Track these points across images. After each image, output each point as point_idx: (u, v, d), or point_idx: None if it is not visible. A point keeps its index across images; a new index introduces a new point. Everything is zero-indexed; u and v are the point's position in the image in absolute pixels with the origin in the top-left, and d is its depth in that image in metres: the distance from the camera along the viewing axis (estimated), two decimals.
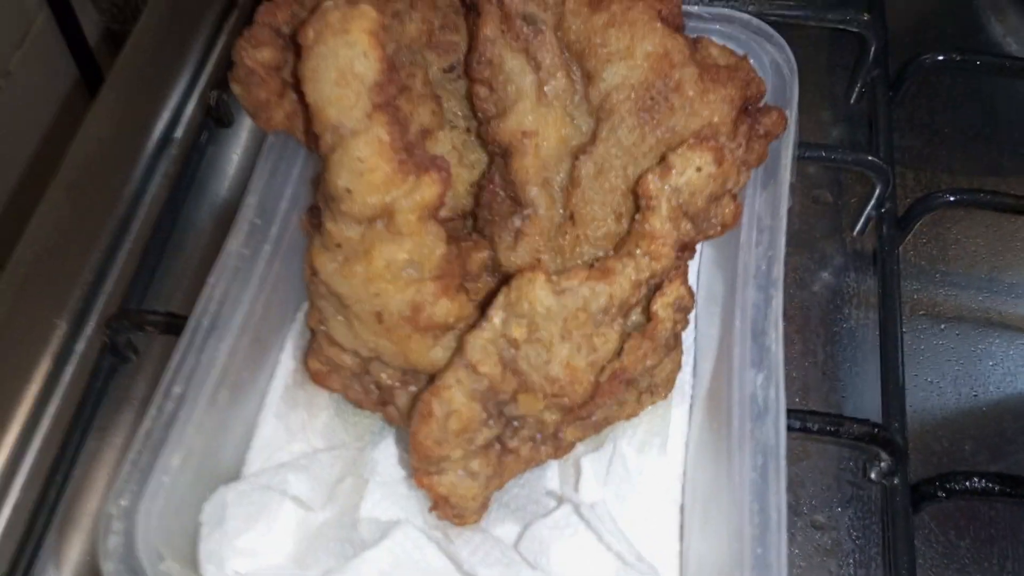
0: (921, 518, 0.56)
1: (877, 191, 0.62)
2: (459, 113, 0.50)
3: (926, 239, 0.69)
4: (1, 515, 0.53)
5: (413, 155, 0.41)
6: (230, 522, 0.41)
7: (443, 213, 0.50)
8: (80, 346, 0.58)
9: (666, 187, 0.42)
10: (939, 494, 0.53)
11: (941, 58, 0.68)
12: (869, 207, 0.64)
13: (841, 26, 0.67)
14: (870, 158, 0.61)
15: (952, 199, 0.63)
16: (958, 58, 0.67)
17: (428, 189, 0.42)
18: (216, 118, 0.67)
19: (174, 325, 0.54)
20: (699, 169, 0.43)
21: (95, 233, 0.62)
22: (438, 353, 0.45)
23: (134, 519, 0.38)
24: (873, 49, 0.67)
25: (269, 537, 0.42)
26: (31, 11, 1.01)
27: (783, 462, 0.40)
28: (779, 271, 0.44)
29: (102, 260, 0.61)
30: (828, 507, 0.57)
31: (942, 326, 0.65)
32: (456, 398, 0.43)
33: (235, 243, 0.45)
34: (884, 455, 0.54)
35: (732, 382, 0.42)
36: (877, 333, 0.63)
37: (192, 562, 0.42)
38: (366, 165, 0.40)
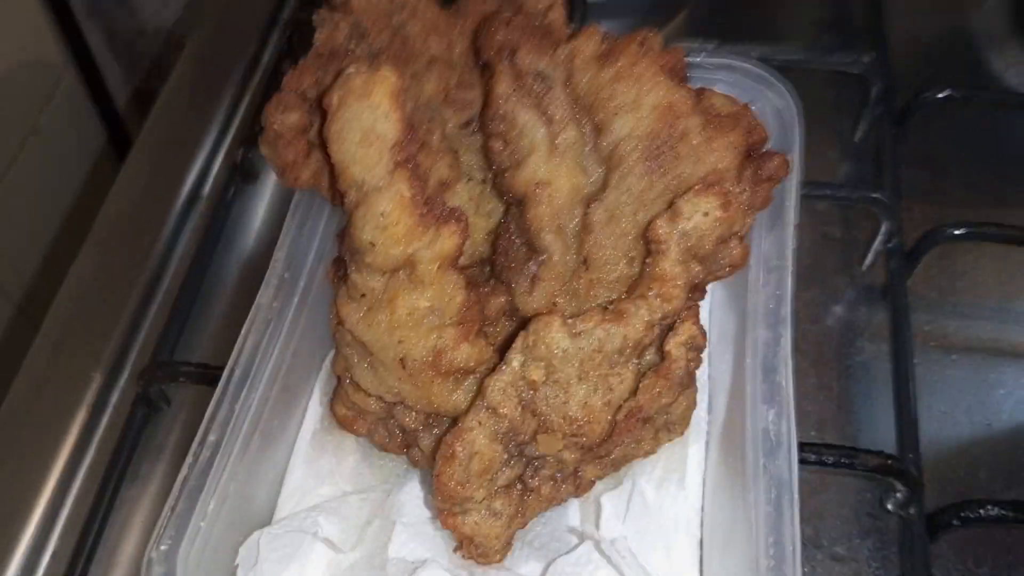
0: (939, 547, 0.57)
1: (884, 227, 0.64)
2: (475, 165, 0.52)
3: (935, 271, 0.70)
4: (41, 564, 0.55)
5: (433, 208, 0.43)
6: (264, 564, 0.43)
7: (462, 261, 0.52)
8: (115, 397, 0.61)
9: (675, 231, 0.44)
10: (954, 523, 0.54)
11: (943, 95, 0.70)
12: (876, 242, 0.65)
13: (844, 69, 0.69)
14: (875, 195, 0.63)
15: (958, 232, 0.64)
16: (959, 95, 0.69)
17: (447, 240, 0.44)
18: (243, 174, 0.70)
19: (206, 375, 0.56)
20: (706, 214, 0.44)
21: (127, 288, 0.65)
22: (460, 396, 0.47)
23: (174, 563, 0.40)
24: (875, 90, 0.69)
25: None
26: (58, 68, 1.05)
27: (796, 495, 0.41)
28: (787, 310, 0.45)
29: (135, 314, 0.64)
30: (847, 539, 0.58)
31: (953, 356, 0.66)
32: (478, 440, 0.45)
33: (266, 297, 0.47)
34: (899, 486, 0.55)
35: (746, 418, 0.43)
36: (890, 365, 0.64)
37: None
38: (389, 219, 0.42)
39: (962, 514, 0.53)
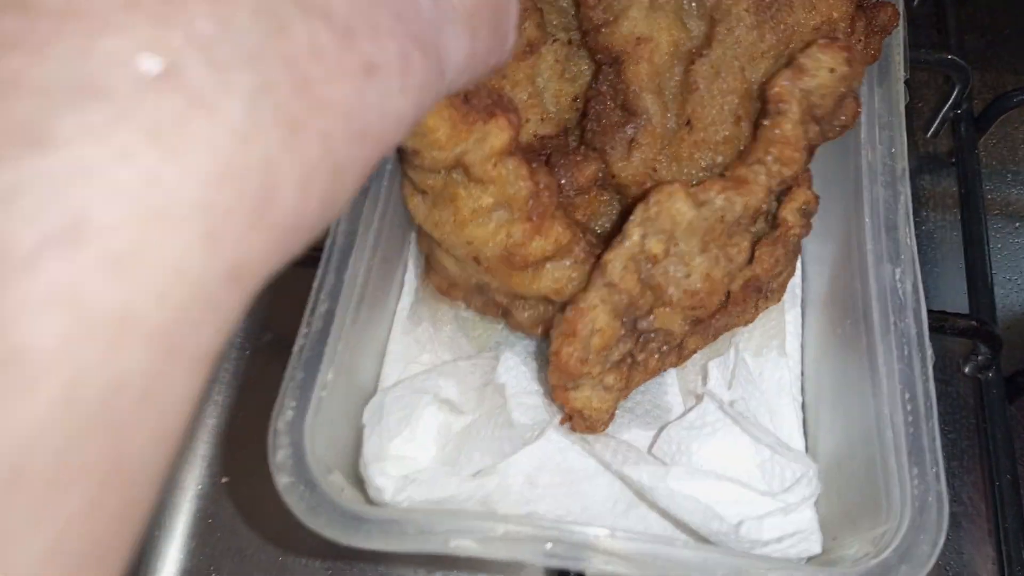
0: (1010, 410, 0.58)
1: (956, 91, 0.62)
2: (559, 25, 0.49)
3: (995, 139, 0.70)
4: None
5: (475, 103, 0.40)
6: (388, 422, 0.42)
7: (546, 130, 0.50)
8: None
9: (798, 90, 0.42)
10: None
11: None
12: (946, 108, 0.64)
13: None
14: (950, 57, 0.61)
15: None
16: None
17: (497, 137, 0.40)
18: None
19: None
20: (832, 70, 0.42)
21: None
22: (543, 282, 0.45)
23: (300, 432, 0.39)
24: None
25: (423, 439, 0.43)
26: None
27: (928, 351, 0.40)
28: (904, 165, 0.44)
29: None
30: None
31: (1016, 224, 0.66)
32: (600, 317, 0.42)
33: None
34: (983, 348, 0.56)
35: (868, 278, 0.42)
36: (956, 234, 0.64)
37: (351, 473, 0.43)
38: (426, 126, 0.39)
39: None
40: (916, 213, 0.67)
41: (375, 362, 0.47)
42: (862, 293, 0.43)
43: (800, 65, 0.42)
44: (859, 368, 0.42)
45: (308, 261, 0.43)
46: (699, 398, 0.47)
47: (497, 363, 0.46)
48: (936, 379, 0.59)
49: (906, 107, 0.70)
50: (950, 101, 0.63)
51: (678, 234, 0.42)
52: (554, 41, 0.50)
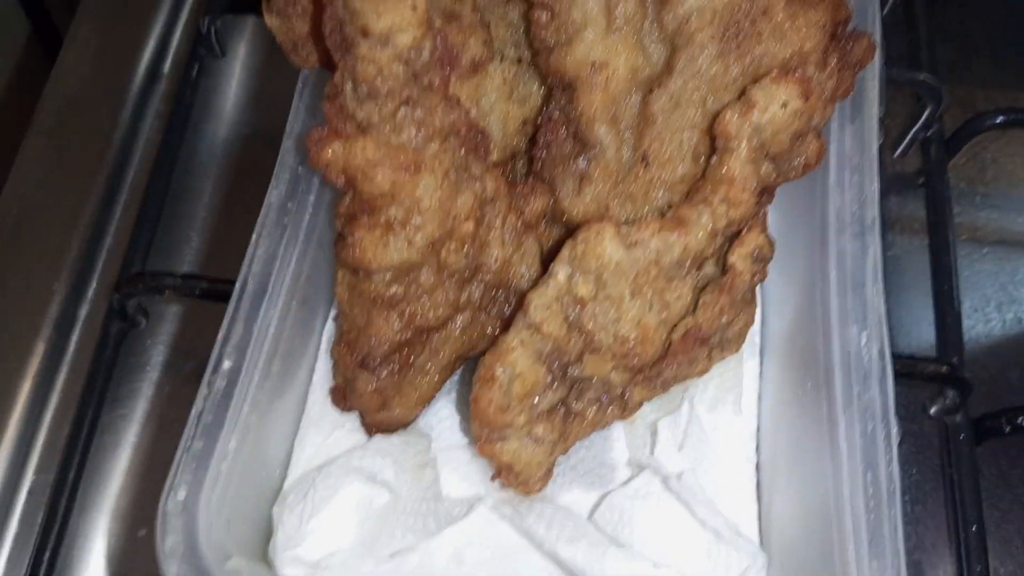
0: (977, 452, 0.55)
1: (927, 112, 0.59)
2: (509, 41, 0.45)
3: (964, 160, 0.66)
4: (16, 502, 0.48)
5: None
6: (306, 506, 0.38)
7: (493, 156, 0.45)
8: (83, 311, 0.53)
9: (747, 126, 0.38)
10: (1005, 428, 0.52)
11: None
12: (916, 127, 0.61)
13: None
14: (922, 77, 0.57)
15: (1001, 120, 0.60)
16: None
17: None
18: (208, 48, 0.61)
19: (194, 287, 0.49)
20: (784, 104, 0.39)
21: (87, 184, 0.56)
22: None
23: (194, 513, 0.34)
24: None
25: (342, 518, 0.39)
26: None
27: (894, 428, 0.37)
28: (874, 214, 0.40)
29: (98, 215, 0.55)
30: None
31: (984, 250, 0.63)
32: (520, 361, 0.40)
33: (276, 196, 0.40)
34: (950, 392, 0.53)
35: (831, 341, 0.38)
36: (923, 258, 0.61)
37: (257, 554, 0.38)
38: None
39: (1017, 420, 0.51)
40: (882, 236, 0.64)
41: (289, 428, 0.42)
42: (824, 355, 0.39)
43: (750, 98, 0.38)
44: (818, 438, 0.39)
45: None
46: (647, 462, 0.43)
47: (426, 419, 0.42)
48: (900, 417, 0.56)
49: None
50: (920, 122, 0.60)
51: (606, 276, 0.39)
52: (502, 60, 0.45)
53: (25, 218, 0.55)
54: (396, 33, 0.34)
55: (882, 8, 0.69)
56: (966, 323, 0.60)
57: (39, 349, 0.52)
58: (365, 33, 0.34)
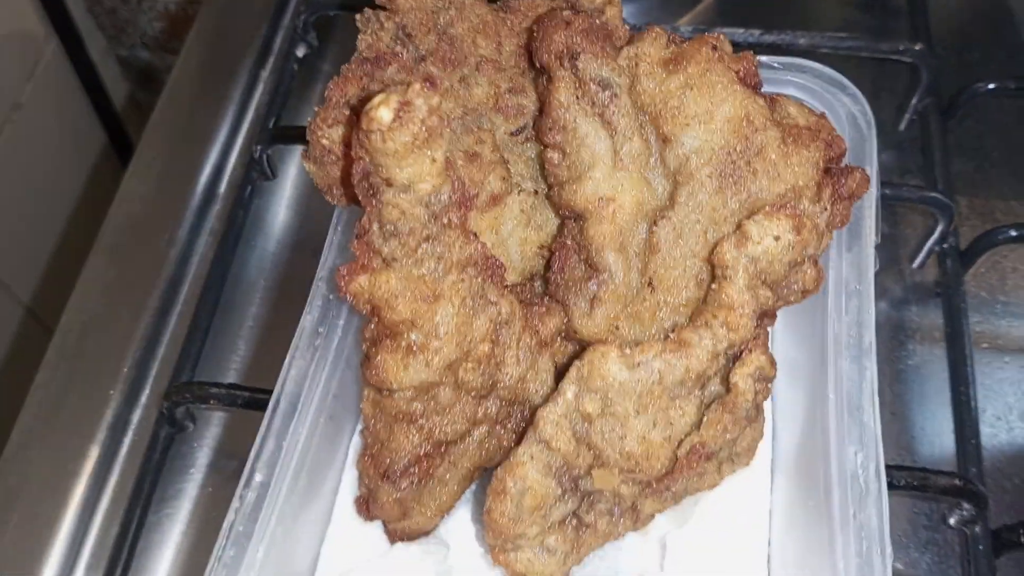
0: (1000, 562, 0.55)
1: (940, 227, 0.61)
2: (526, 175, 0.48)
3: (984, 269, 0.68)
4: None
5: None
6: None
7: (512, 278, 0.49)
8: (136, 416, 0.57)
9: (743, 257, 0.41)
10: (1023, 540, 0.52)
11: (994, 86, 0.67)
12: (931, 241, 0.63)
13: (895, 56, 0.65)
14: (934, 195, 0.60)
15: (1015, 234, 0.62)
16: (1013, 86, 0.66)
17: None
18: (260, 171, 0.66)
19: (236, 398, 0.53)
20: (777, 238, 0.41)
21: (143, 299, 0.61)
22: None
23: None
24: (926, 78, 0.66)
25: None
26: (40, 40, 0.98)
27: (888, 548, 0.38)
28: (871, 338, 0.42)
29: (153, 326, 0.60)
30: (906, 552, 0.56)
31: (1006, 359, 0.64)
32: (530, 475, 0.42)
33: (310, 320, 0.44)
34: (966, 505, 0.53)
35: (830, 461, 0.40)
36: (943, 368, 0.62)
37: None
38: None
39: None
40: (902, 347, 0.65)
41: (316, 535, 0.45)
42: (824, 474, 0.41)
43: (745, 232, 0.41)
44: (820, 556, 0.40)
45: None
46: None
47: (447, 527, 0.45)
48: (921, 527, 0.57)
49: (892, 234, 0.69)
50: (934, 236, 0.62)
51: (611, 395, 0.41)
52: (520, 191, 0.49)
53: (87, 330, 0.60)
54: (417, 182, 0.38)
55: (897, 125, 0.72)
56: (988, 431, 0.60)
57: (93, 452, 0.55)
58: (389, 183, 0.37)
